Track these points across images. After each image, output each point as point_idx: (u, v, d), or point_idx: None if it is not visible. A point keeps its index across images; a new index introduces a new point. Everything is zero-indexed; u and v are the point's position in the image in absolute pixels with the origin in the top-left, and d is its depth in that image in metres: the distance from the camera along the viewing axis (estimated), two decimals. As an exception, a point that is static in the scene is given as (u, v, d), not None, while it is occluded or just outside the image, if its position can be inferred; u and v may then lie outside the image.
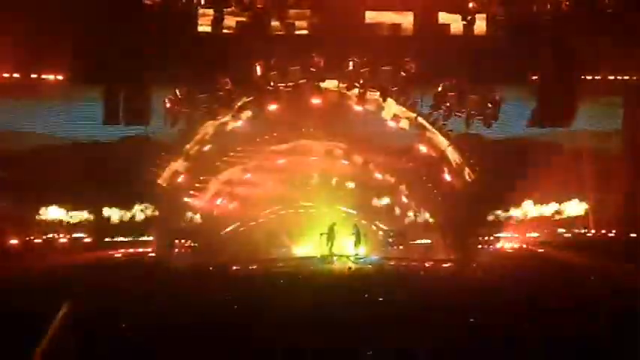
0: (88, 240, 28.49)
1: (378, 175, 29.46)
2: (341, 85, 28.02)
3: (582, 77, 29.42)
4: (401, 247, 28.39)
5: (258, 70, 27.54)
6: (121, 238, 28.42)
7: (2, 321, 14.66)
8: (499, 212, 30.06)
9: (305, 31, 28.63)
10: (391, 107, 28.55)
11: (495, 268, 25.05)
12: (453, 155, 28.73)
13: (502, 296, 17.91)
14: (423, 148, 29.02)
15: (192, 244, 27.34)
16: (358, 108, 28.59)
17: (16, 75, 28.15)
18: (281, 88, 27.46)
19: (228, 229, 28.03)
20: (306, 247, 28.44)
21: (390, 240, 28.72)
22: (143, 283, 21.45)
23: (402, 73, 27.46)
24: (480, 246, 28.24)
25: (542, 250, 27.70)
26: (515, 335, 13.96)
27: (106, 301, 17.37)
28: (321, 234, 27.94)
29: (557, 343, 13.50)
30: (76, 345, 13.41)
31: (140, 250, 27.74)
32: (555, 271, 23.22)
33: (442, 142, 28.69)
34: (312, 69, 27.42)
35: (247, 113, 28.26)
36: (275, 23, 28.24)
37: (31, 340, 13.06)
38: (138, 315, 15.81)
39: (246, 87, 27.88)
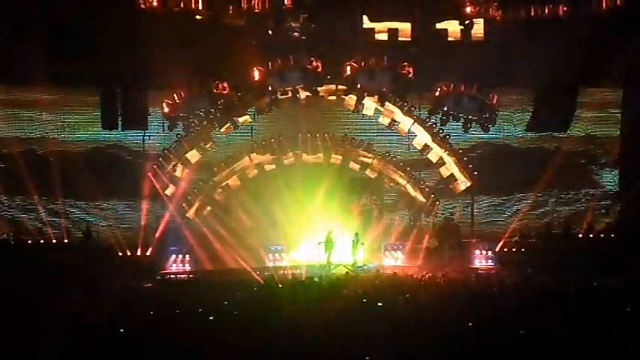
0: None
1: (375, 179, 29.55)
2: (338, 89, 28.05)
3: (579, 84, 29.60)
4: (400, 254, 28.33)
5: (257, 74, 27.60)
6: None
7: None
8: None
9: (303, 36, 28.75)
10: (388, 112, 28.57)
11: (491, 274, 25.02)
12: (449, 160, 28.72)
13: (499, 303, 17.89)
14: (420, 154, 29.03)
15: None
16: (355, 113, 28.64)
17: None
18: (279, 92, 27.47)
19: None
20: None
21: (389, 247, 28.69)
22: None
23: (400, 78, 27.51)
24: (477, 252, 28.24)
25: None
26: (512, 340, 13.95)
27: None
28: (319, 242, 27.82)
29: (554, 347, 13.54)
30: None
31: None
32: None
33: (439, 147, 28.69)
34: (309, 73, 27.44)
35: (245, 117, 28.30)
36: (273, 28, 28.33)
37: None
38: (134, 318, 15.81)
39: (244, 91, 27.91)
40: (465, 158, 28.84)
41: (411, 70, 27.55)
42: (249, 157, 28.84)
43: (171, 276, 25.99)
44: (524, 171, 29.76)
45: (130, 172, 29.42)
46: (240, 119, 28.28)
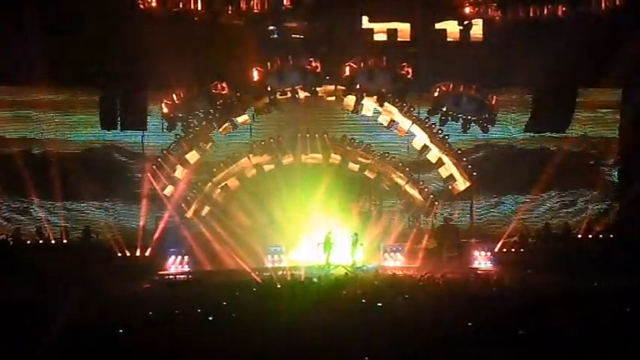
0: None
1: (374, 180, 29.53)
2: (338, 89, 28.02)
3: (579, 84, 29.59)
4: (399, 255, 28.28)
5: (256, 74, 27.58)
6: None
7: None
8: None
9: (302, 36, 28.74)
10: (387, 112, 28.55)
11: (490, 275, 25.01)
12: (448, 161, 28.69)
13: (498, 303, 17.90)
14: (419, 154, 28.98)
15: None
16: (355, 113, 28.61)
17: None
18: (278, 92, 27.45)
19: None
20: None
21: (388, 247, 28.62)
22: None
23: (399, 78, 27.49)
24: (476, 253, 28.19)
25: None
26: (511, 341, 13.96)
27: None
28: (318, 243, 27.77)
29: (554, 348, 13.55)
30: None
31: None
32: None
33: (438, 147, 28.65)
34: (308, 74, 27.42)
35: (244, 118, 28.29)
36: (272, 28, 28.32)
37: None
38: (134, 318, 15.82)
39: (243, 91, 27.89)
40: (465, 159, 28.83)
41: (410, 71, 27.51)
42: (248, 157, 28.79)
43: (170, 277, 25.96)
44: (523, 171, 29.74)
45: (129, 173, 29.44)
46: (239, 119, 28.25)
